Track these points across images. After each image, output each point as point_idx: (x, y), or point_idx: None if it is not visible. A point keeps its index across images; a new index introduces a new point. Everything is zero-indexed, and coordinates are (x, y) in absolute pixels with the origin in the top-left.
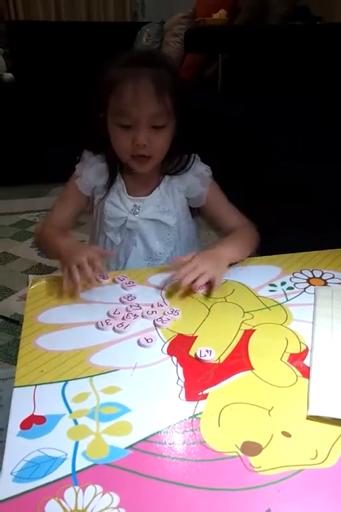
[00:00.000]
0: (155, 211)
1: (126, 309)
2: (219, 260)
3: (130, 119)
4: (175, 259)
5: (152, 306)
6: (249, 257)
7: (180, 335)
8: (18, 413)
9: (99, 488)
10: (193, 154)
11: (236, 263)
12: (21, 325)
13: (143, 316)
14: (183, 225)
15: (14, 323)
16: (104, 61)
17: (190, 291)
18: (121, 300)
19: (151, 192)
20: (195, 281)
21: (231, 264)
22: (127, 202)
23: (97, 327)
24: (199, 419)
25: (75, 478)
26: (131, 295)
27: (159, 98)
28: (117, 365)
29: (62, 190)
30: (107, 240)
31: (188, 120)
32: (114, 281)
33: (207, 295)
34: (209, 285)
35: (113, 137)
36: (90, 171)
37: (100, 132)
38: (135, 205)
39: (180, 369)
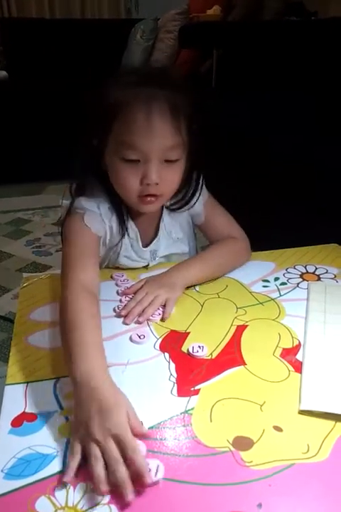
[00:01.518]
0: (169, 244)
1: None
2: (172, 284)
3: (139, 154)
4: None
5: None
6: None
7: (172, 331)
8: (9, 411)
9: (90, 485)
10: (199, 190)
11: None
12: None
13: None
14: (193, 242)
15: (8, 321)
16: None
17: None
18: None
19: (158, 227)
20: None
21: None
22: (143, 253)
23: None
24: (191, 414)
25: None
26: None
27: (176, 127)
28: (109, 361)
29: (62, 189)
30: None
31: (202, 149)
32: (111, 277)
33: (162, 320)
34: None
35: (115, 174)
36: (112, 236)
37: (95, 165)
38: (153, 251)
39: (173, 365)
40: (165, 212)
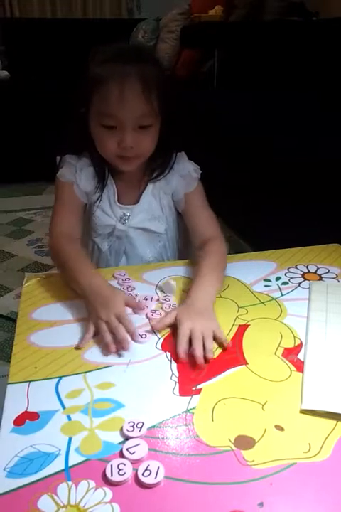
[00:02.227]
0: (145, 219)
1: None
2: (206, 312)
3: (115, 121)
4: (156, 324)
5: (146, 299)
6: (242, 252)
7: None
8: (12, 409)
9: (92, 483)
10: (175, 153)
11: None
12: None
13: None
14: (172, 230)
15: (10, 321)
16: (87, 55)
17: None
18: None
19: (139, 198)
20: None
21: None
22: (116, 210)
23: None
24: (193, 414)
25: (68, 473)
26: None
27: (146, 98)
28: (111, 361)
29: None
30: (95, 246)
31: (174, 117)
32: (113, 276)
33: (225, 349)
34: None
35: (97, 138)
36: (82, 178)
37: (82, 131)
38: (124, 214)
39: (174, 364)
40: (148, 187)
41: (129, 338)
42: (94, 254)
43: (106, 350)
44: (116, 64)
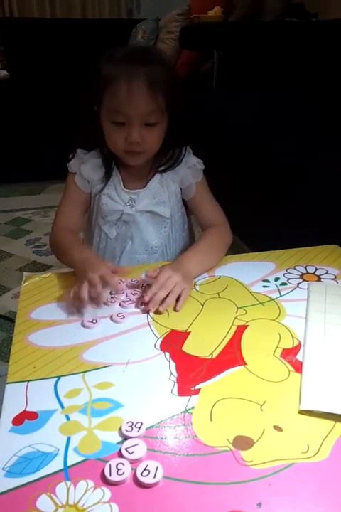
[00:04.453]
0: (151, 203)
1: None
2: (186, 274)
3: (123, 117)
4: (147, 274)
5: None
6: (241, 252)
7: (173, 331)
8: (10, 409)
9: (91, 483)
10: (185, 148)
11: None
12: (15, 322)
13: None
14: (177, 217)
15: (8, 320)
16: (99, 55)
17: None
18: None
19: (146, 185)
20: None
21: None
22: (123, 195)
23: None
24: (192, 414)
25: (67, 473)
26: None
27: (152, 97)
28: (110, 361)
29: (62, 189)
30: (103, 234)
31: (180, 116)
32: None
33: (175, 310)
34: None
35: (107, 133)
36: (86, 167)
37: (94, 127)
38: (131, 198)
39: (173, 364)
40: (156, 176)
41: (104, 298)
42: (101, 242)
43: (75, 304)
44: (126, 64)
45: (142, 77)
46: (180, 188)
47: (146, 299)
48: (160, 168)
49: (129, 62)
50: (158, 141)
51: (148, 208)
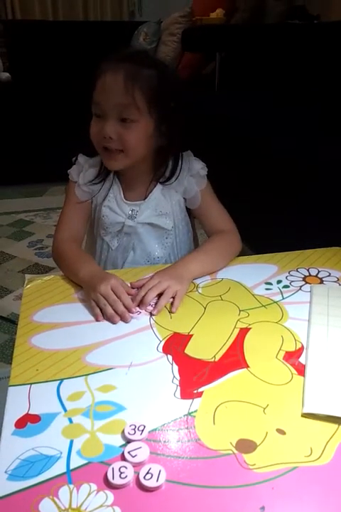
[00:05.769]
0: (152, 215)
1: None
2: (180, 276)
3: (99, 109)
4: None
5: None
6: (243, 255)
7: (175, 333)
8: (13, 412)
9: (94, 486)
10: (181, 157)
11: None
12: (17, 324)
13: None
14: (181, 228)
15: (10, 322)
16: (101, 58)
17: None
18: None
19: (147, 196)
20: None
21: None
22: (124, 207)
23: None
24: (194, 417)
25: (70, 476)
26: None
27: (127, 90)
28: (112, 363)
29: (64, 191)
30: (104, 244)
31: (175, 124)
32: None
33: (170, 311)
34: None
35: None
36: (85, 176)
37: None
38: (132, 210)
39: (176, 367)
40: (158, 187)
41: (127, 312)
42: (102, 253)
43: (111, 322)
44: (114, 61)
45: (120, 71)
46: (184, 198)
47: (135, 303)
48: (161, 180)
49: (118, 60)
50: (138, 143)
51: (150, 220)
